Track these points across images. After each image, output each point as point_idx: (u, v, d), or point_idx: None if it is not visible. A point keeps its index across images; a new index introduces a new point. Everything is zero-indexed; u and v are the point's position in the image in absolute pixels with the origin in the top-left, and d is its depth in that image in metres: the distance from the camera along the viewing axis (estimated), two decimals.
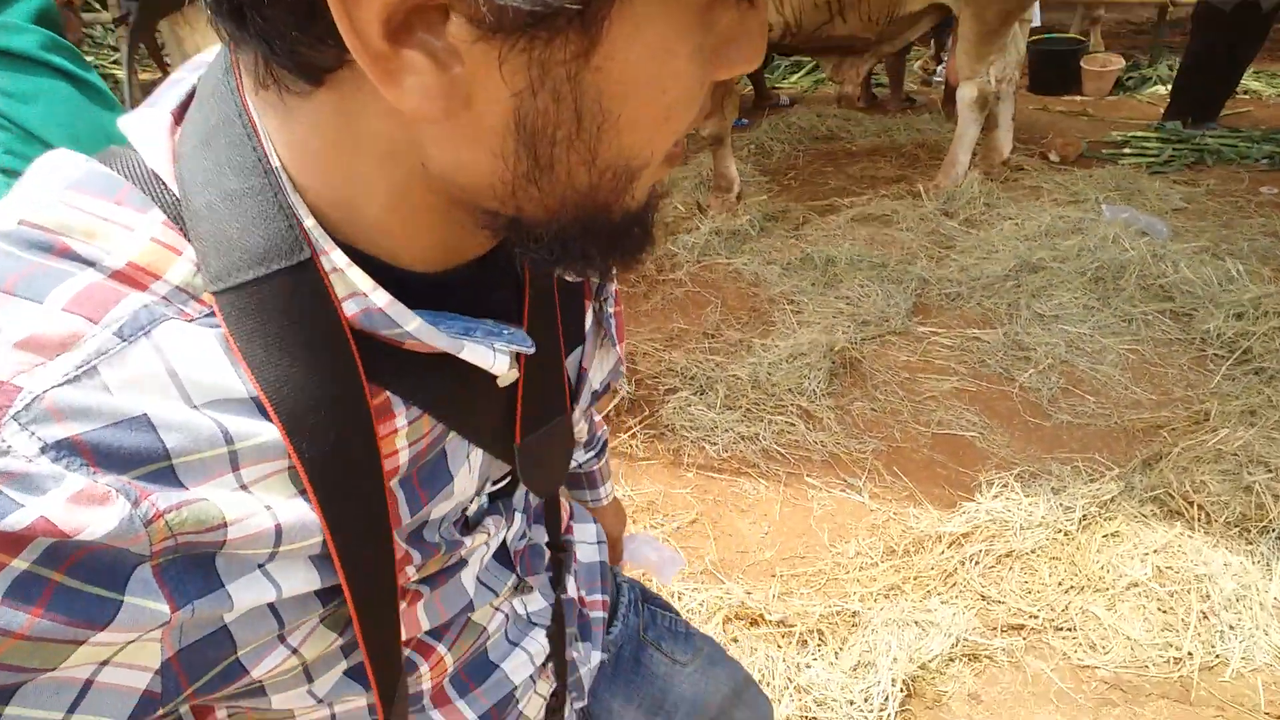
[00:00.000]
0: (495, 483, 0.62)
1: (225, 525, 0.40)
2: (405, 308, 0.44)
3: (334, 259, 0.42)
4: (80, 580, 0.36)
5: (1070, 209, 3.88)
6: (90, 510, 0.35)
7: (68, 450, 0.36)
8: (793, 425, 2.66)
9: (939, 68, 6.12)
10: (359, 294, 0.43)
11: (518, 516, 0.68)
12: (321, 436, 0.43)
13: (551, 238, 0.44)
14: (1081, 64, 5.80)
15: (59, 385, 0.36)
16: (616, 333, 0.73)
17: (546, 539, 0.75)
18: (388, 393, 0.47)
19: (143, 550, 0.38)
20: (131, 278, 0.40)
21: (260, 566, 0.44)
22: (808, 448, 2.60)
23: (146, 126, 0.44)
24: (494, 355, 0.48)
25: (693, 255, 3.67)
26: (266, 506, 0.42)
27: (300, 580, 0.46)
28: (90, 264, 0.39)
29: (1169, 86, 5.43)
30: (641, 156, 0.42)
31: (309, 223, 0.42)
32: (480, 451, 0.57)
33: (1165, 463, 2.42)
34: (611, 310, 0.72)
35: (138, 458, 0.38)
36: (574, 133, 0.39)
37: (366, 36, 0.34)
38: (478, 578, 0.64)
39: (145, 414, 0.38)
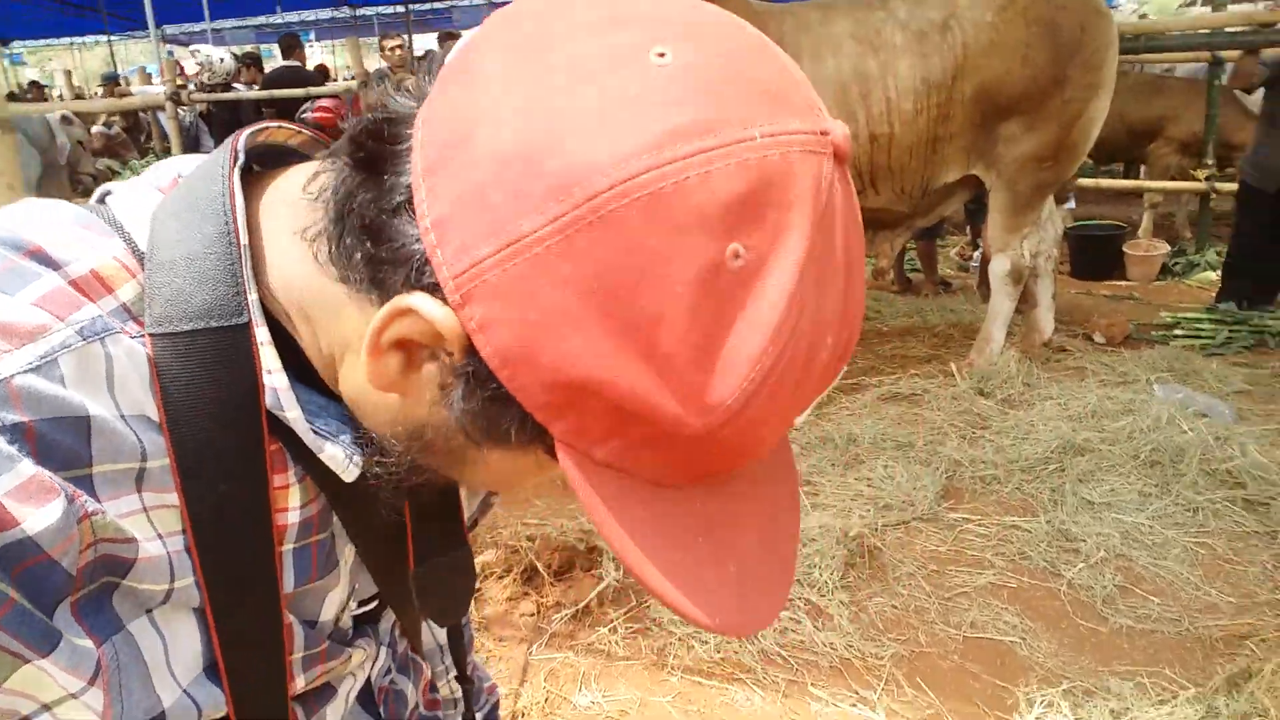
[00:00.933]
0: (361, 603, 0.63)
1: (134, 541, 0.43)
2: (293, 397, 0.47)
3: (259, 334, 0.46)
4: (26, 598, 0.38)
5: (1118, 390, 3.56)
6: (35, 501, 0.38)
7: (20, 436, 0.39)
8: (798, 622, 2.28)
9: (975, 254, 6.02)
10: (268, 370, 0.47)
11: (383, 651, 0.67)
12: (212, 476, 0.46)
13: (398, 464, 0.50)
14: (1125, 249, 5.63)
15: (23, 372, 0.39)
16: None
17: (455, 672, 0.79)
18: (281, 443, 0.49)
19: (70, 563, 0.40)
20: (91, 286, 0.45)
21: (148, 612, 0.46)
22: (814, 650, 2.21)
23: (130, 192, 0.51)
24: (348, 463, 0.50)
25: None
26: (158, 535, 0.45)
27: (185, 636, 0.48)
28: (58, 267, 0.44)
29: (1218, 271, 5.20)
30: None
31: (253, 297, 0.47)
32: (351, 553, 0.58)
33: (1256, 683, 1.97)
34: None
35: (69, 459, 0.41)
36: (446, 454, 0.48)
37: (385, 326, 0.42)
38: (342, 717, 0.63)
39: (87, 415, 0.41)
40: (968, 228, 6.39)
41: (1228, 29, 5.20)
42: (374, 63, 8.36)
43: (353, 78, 6.99)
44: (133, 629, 0.45)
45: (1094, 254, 5.77)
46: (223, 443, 0.46)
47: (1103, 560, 2.49)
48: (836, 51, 3.62)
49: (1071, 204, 5.29)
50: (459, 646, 0.76)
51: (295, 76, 6.93)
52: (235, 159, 0.49)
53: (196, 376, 0.45)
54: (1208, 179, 5.78)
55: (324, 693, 0.60)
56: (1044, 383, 3.70)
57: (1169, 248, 5.74)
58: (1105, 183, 7.07)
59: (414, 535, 0.60)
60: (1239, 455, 2.85)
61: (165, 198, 0.50)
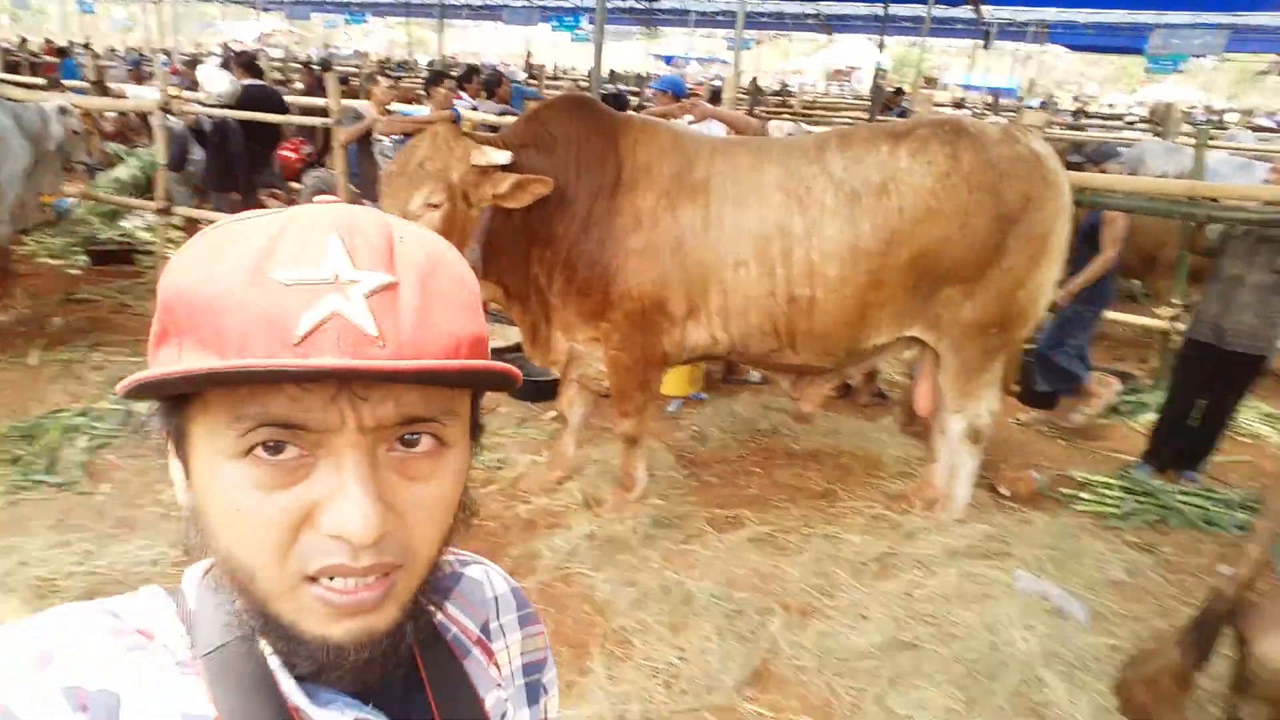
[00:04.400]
0: None
1: None
2: (295, 686, 0.62)
3: (262, 647, 0.62)
4: None
5: (986, 566, 3.50)
6: None
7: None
8: None
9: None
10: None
11: None
12: None
13: (246, 614, 0.61)
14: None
15: None
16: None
17: None
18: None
19: None
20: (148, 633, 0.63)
21: None
22: None
23: (192, 575, 0.68)
24: (339, 717, 0.63)
25: (555, 560, 3.42)
26: None
27: None
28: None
29: None
30: (242, 560, 0.58)
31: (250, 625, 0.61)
32: None
33: None
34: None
35: None
36: (198, 519, 0.61)
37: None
38: None
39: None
40: None
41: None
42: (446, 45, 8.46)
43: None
44: None
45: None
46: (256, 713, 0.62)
47: None
48: (762, 201, 3.46)
49: None
50: None
51: (265, 97, 7.06)
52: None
53: (232, 673, 0.63)
54: (1171, 319, 5.63)
55: None
56: (915, 544, 3.65)
57: (1120, 385, 5.60)
58: None
59: None
60: (1053, 686, 2.78)
61: (201, 583, 0.68)
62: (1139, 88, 38.38)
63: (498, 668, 0.79)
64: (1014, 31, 21.42)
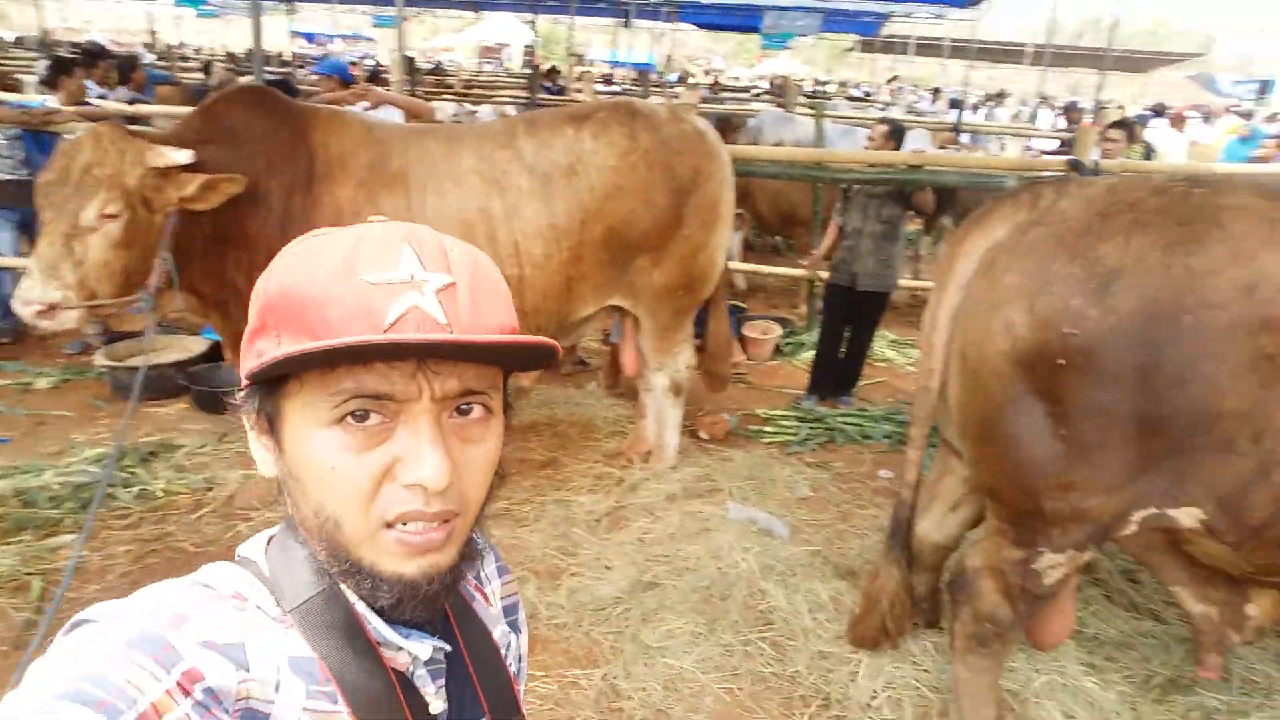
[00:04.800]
0: None
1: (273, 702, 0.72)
2: (383, 622, 0.76)
3: (348, 593, 0.75)
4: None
5: (701, 503, 3.93)
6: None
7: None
8: None
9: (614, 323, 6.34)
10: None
11: None
12: (358, 686, 0.74)
13: (330, 561, 0.74)
14: (743, 331, 6.24)
15: None
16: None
17: None
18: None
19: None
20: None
21: None
22: None
23: (256, 545, 0.81)
24: (419, 646, 0.78)
25: None
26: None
27: None
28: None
29: None
30: (332, 512, 0.71)
31: (334, 573, 0.75)
32: None
33: None
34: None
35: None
36: (292, 483, 0.74)
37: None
38: None
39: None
40: None
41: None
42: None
43: None
44: None
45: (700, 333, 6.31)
46: (354, 659, 0.75)
47: None
48: (460, 187, 3.54)
49: None
50: None
51: None
52: None
53: (323, 623, 0.75)
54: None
55: None
56: (639, 495, 3.98)
57: (780, 330, 6.44)
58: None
59: (491, 716, 0.85)
60: (774, 592, 3.25)
61: (271, 544, 0.80)
62: (756, 63, 42.89)
63: (491, 609, 0.94)
64: (650, 11, 22.96)
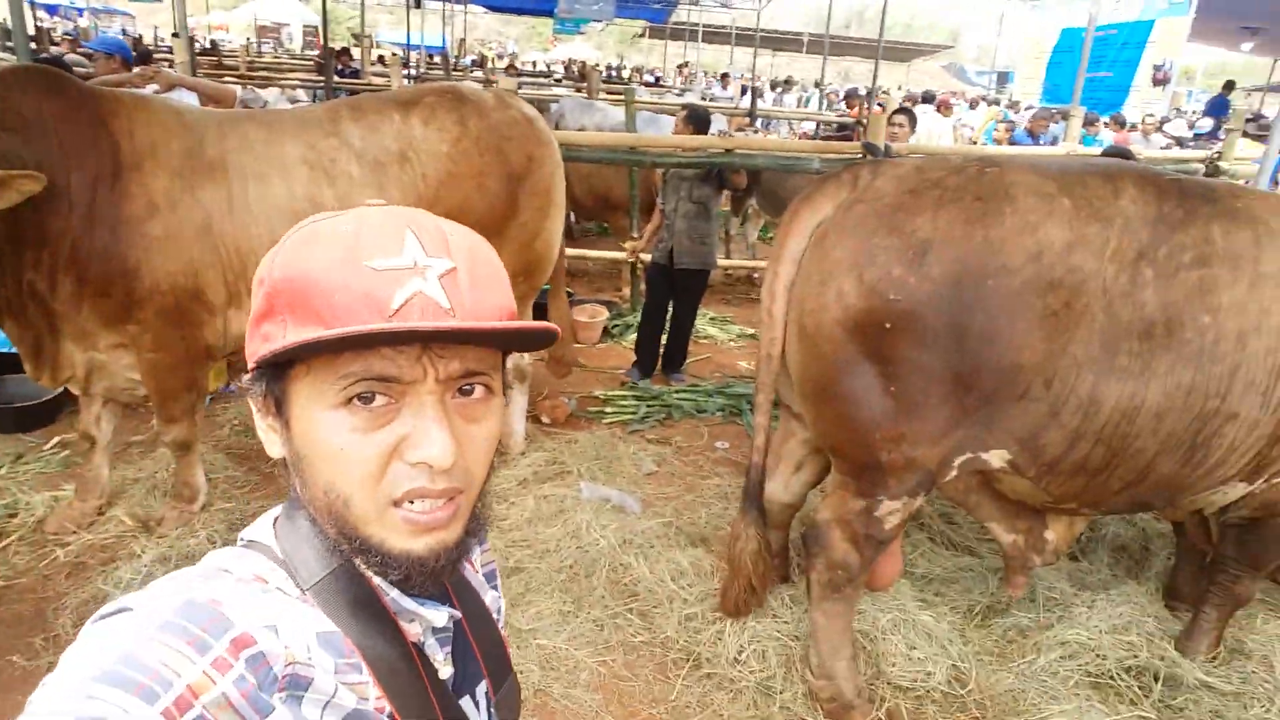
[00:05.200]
0: None
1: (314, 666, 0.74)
2: (401, 594, 0.79)
3: (362, 567, 0.78)
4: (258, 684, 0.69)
5: (553, 486, 3.98)
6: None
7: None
8: None
9: None
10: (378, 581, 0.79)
11: None
12: (380, 656, 0.77)
13: (339, 539, 0.75)
14: (573, 315, 6.31)
15: None
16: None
17: None
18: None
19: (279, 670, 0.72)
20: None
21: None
22: None
23: (261, 528, 0.82)
24: (436, 614, 0.82)
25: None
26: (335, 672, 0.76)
27: None
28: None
29: None
30: (341, 491, 0.72)
31: (344, 550, 0.76)
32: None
33: None
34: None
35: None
36: (300, 464, 0.74)
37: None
38: None
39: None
40: None
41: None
42: None
43: None
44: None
45: (539, 319, 6.36)
46: (370, 626, 0.78)
47: (524, 700, 2.74)
48: (286, 175, 3.34)
49: None
50: None
51: None
52: None
53: (341, 598, 0.77)
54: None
55: None
56: (500, 482, 3.98)
57: (608, 313, 6.57)
58: None
59: (490, 676, 0.91)
60: (636, 564, 3.36)
61: (279, 522, 0.82)
62: (550, 47, 42.85)
63: (477, 575, 0.99)
64: None
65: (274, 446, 0.78)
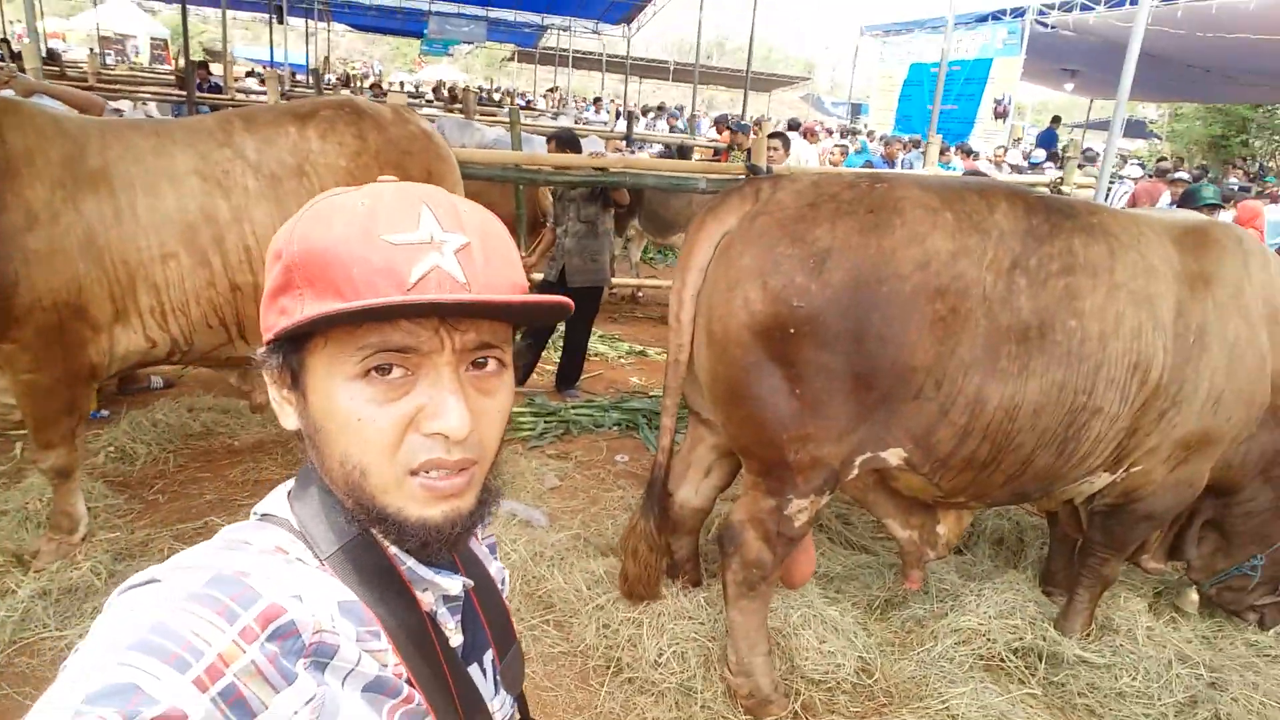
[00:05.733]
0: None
1: (339, 635, 0.75)
2: (417, 563, 0.81)
3: (380, 538, 0.79)
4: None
5: None
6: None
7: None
8: None
9: None
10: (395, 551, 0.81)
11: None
12: (398, 624, 0.78)
13: (356, 509, 0.76)
14: None
15: None
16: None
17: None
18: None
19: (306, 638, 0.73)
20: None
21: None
22: None
23: (276, 501, 0.83)
24: (452, 582, 0.84)
25: (6, 634, 2.79)
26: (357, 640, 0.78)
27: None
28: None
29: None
30: (358, 461, 0.73)
31: (361, 519, 0.77)
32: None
33: None
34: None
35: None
36: (317, 435, 0.76)
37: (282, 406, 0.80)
38: None
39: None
40: None
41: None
42: None
43: None
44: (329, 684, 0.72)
45: None
46: (385, 595, 0.80)
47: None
48: (177, 187, 3.19)
49: None
50: (524, 704, 1.05)
51: None
52: None
53: (358, 566, 0.79)
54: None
55: None
56: None
57: None
58: None
59: (496, 645, 0.94)
60: (549, 576, 3.36)
61: (293, 491, 0.83)
62: (417, 68, 42.21)
63: (482, 548, 1.03)
64: (304, 9, 21.73)
65: (289, 419, 0.79)
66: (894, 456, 2.89)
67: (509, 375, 0.80)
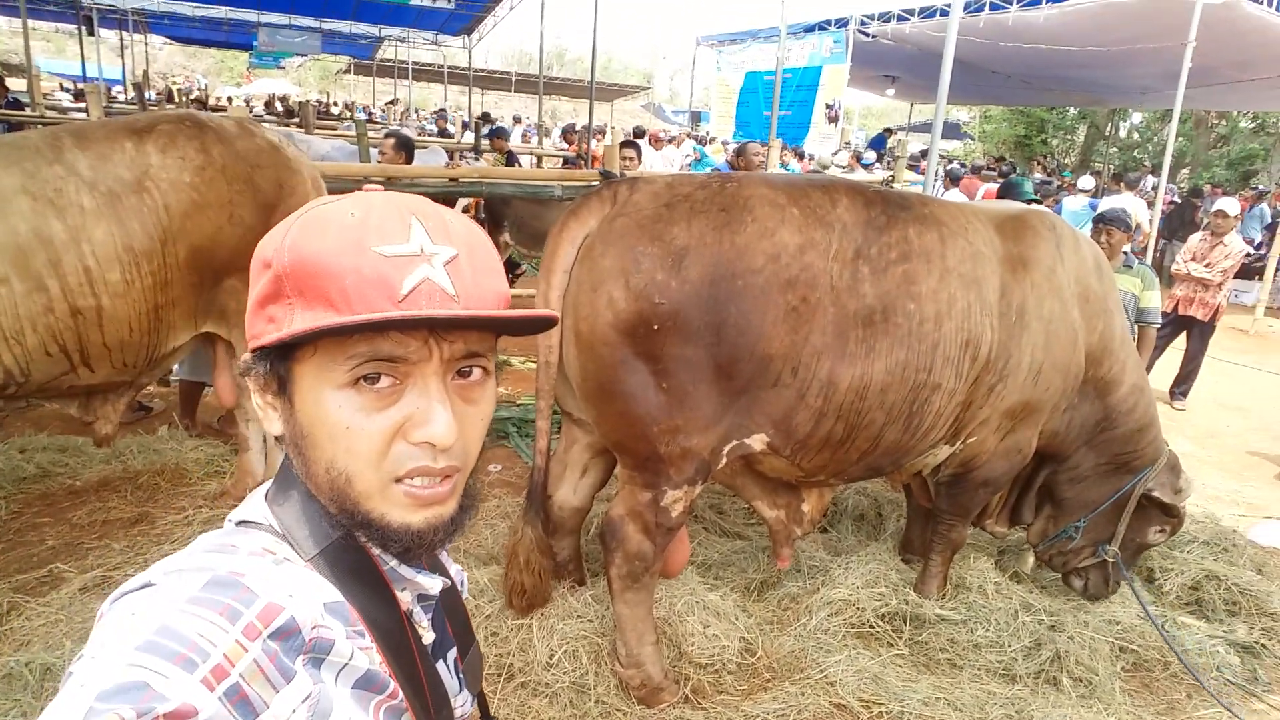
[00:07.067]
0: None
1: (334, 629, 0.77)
2: (400, 564, 0.83)
3: (361, 540, 0.80)
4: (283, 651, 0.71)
5: None
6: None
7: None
8: None
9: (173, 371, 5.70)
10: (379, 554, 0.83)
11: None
12: (380, 622, 0.80)
13: (340, 514, 0.78)
14: None
15: None
16: None
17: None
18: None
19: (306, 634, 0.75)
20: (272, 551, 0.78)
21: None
22: None
23: (253, 507, 0.83)
24: (432, 582, 0.87)
25: None
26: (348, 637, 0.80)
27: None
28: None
29: None
30: (344, 468, 0.75)
31: (344, 523, 0.79)
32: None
33: None
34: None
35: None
36: (303, 441, 0.76)
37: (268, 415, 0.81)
38: None
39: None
40: None
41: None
42: None
43: None
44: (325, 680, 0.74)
45: None
46: (368, 593, 0.81)
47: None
48: (5, 208, 2.96)
49: None
50: (484, 701, 1.07)
51: None
52: None
53: (342, 564, 0.81)
54: None
55: None
56: None
57: None
58: None
59: (458, 643, 0.97)
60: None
61: (271, 492, 0.84)
62: (246, 81, 40.18)
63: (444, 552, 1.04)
64: (116, 20, 20.27)
65: (273, 424, 0.79)
66: (758, 442, 3.02)
67: (492, 383, 0.82)
